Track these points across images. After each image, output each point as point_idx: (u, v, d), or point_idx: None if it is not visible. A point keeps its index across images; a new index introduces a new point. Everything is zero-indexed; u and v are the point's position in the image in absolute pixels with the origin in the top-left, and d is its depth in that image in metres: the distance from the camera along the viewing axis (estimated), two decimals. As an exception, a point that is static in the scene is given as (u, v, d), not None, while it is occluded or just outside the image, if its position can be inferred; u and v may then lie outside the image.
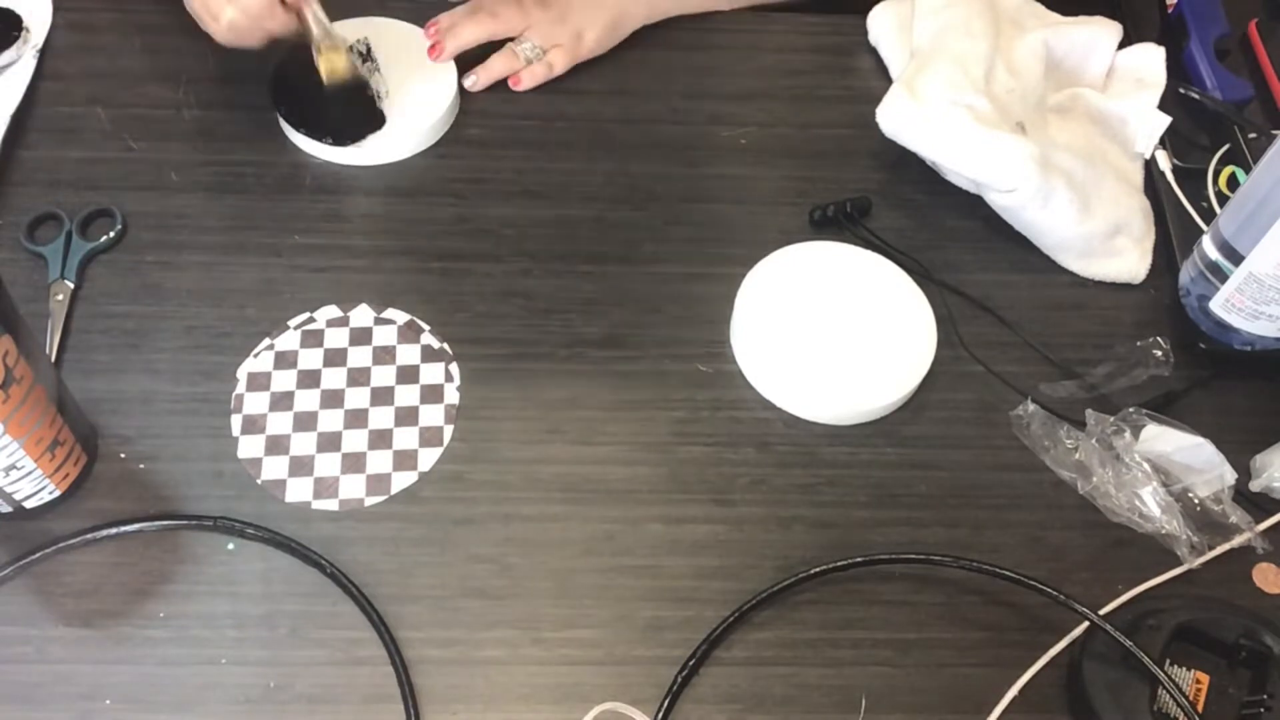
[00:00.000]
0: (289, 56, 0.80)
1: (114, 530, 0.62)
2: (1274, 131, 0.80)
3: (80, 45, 0.84)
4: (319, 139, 0.78)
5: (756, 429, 0.69)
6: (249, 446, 0.66)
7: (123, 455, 0.66)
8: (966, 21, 0.79)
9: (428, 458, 0.67)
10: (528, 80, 0.83)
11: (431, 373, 0.70)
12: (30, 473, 0.60)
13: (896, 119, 0.76)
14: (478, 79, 0.83)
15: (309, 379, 0.69)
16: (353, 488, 0.65)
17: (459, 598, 0.62)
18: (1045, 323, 0.75)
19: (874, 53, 0.88)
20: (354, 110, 0.79)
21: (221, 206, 0.76)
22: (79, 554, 0.62)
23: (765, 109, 0.85)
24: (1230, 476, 0.67)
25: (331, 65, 0.78)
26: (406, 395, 0.69)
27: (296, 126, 0.78)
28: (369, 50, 0.82)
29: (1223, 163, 0.80)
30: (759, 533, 0.65)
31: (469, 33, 0.82)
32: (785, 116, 0.84)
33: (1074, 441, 0.68)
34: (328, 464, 0.66)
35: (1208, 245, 0.71)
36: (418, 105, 0.80)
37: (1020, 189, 0.73)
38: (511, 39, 0.84)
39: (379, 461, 0.66)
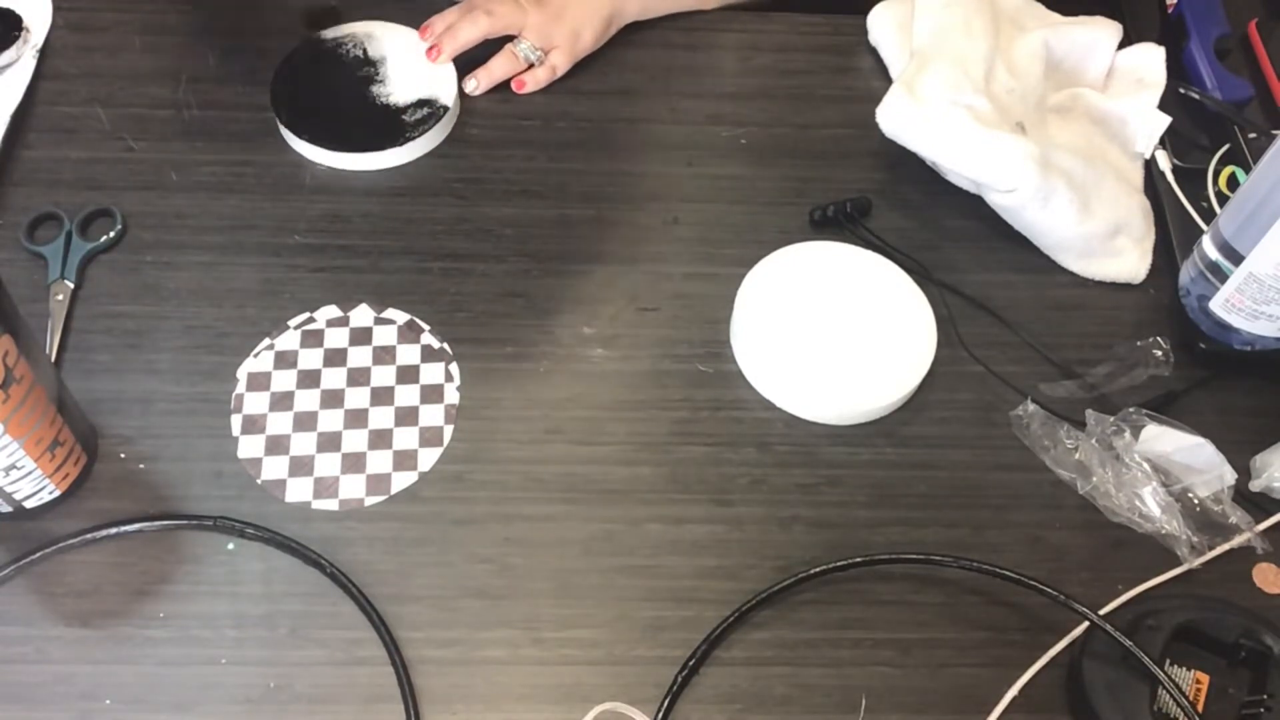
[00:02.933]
0: (288, 61, 0.81)
1: (114, 530, 0.62)
2: (1274, 131, 0.80)
3: (80, 45, 0.84)
4: (323, 146, 0.78)
5: (756, 429, 0.69)
6: (249, 446, 0.66)
7: (123, 455, 0.66)
8: (966, 21, 0.79)
9: (428, 458, 0.67)
10: (531, 84, 0.83)
11: (431, 373, 0.70)
12: (30, 473, 0.60)
13: (896, 119, 0.76)
14: (479, 82, 0.83)
15: (309, 379, 0.69)
16: (353, 488, 0.65)
17: (459, 598, 0.62)
18: (1045, 323, 0.75)
19: (874, 53, 0.88)
20: (362, 118, 0.79)
21: (221, 206, 0.76)
22: (79, 554, 0.62)
23: (765, 109, 0.85)
24: (1230, 476, 0.67)
25: None
26: (406, 395, 0.69)
27: (299, 134, 0.78)
28: (365, 54, 0.82)
29: (1223, 163, 0.80)
30: (759, 533, 0.65)
31: (466, 32, 0.82)
32: (785, 116, 0.84)
33: (1074, 441, 0.68)
34: (328, 464, 0.66)
35: (1208, 245, 0.71)
36: (418, 107, 0.80)
37: (1020, 189, 0.73)
38: (509, 38, 0.83)
39: (379, 461, 0.66)
